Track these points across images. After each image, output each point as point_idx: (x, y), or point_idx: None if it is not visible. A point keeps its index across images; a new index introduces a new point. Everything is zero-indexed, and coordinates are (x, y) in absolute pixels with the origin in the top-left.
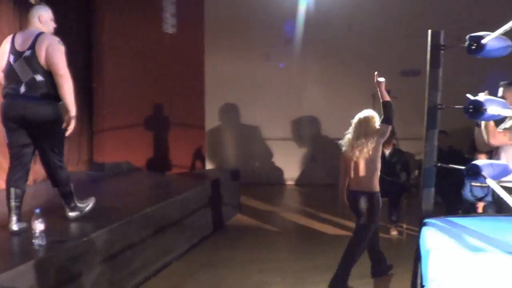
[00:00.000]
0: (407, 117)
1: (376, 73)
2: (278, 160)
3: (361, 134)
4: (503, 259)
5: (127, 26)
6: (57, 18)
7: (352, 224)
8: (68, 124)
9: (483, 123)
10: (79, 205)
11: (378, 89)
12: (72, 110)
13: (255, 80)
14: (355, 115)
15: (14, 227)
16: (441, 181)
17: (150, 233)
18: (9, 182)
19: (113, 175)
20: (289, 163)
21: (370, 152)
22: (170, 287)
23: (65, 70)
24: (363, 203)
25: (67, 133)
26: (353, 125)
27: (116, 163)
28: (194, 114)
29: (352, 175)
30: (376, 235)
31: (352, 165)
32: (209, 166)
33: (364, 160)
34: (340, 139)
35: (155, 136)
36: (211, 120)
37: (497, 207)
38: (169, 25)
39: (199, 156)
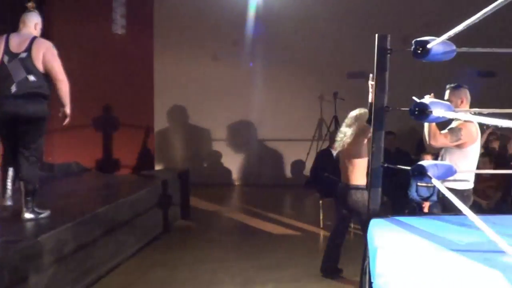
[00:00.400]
0: None
1: (370, 75)
2: (227, 160)
3: (348, 128)
4: (447, 256)
5: (77, 26)
6: (8, 14)
7: (297, 224)
8: (63, 119)
9: (425, 125)
10: (36, 209)
11: (370, 90)
12: (68, 109)
13: (204, 81)
14: (303, 116)
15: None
16: (388, 182)
17: (101, 234)
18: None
19: (62, 175)
20: (238, 164)
21: (350, 146)
22: (122, 286)
23: (63, 75)
24: (346, 196)
25: (64, 124)
26: (347, 119)
27: (66, 164)
28: (142, 115)
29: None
30: (343, 232)
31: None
32: (158, 167)
33: (346, 153)
34: (287, 139)
35: (104, 136)
36: (160, 121)
37: (442, 207)
38: (119, 26)
39: (147, 157)
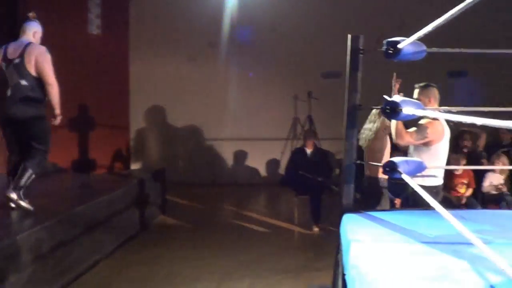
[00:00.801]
0: (329, 117)
1: (394, 74)
2: (203, 159)
3: (372, 123)
4: (417, 248)
5: (52, 26)
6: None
7: (273, 221)
8: (55, 119)
9: (392, 123)
10: (22, 196)
11: (394, 88)
12: (58, 110)
13: (179, 81)
14: (278, 116)
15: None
16: (361, 179)
17: (79, 232)
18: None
19: (39, 175)
20: (214, 163)
21: (375, 141)
22: (101, 284)
23: (53, 79)
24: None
25: (56, 123)
26: (370, 116)
27: None
28: (119, 115)
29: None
30: None
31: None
32: (134, 166)
33: (371, 148)
34: (263, 139)
35: (80, 136)
36: (136, 121)
37: (413, 202)
38: (94, 26)
39: (124, 156)
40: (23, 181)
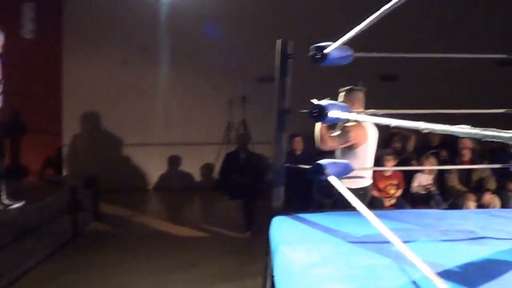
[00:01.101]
0: (263, 121)
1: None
2: (138, 165)
3: None
4: (344, 248)
5: None
6: None
7: (206, 226)
8: None
9: (315, 128)
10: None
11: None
12: None
13: (114, 86)
14: (212, 120)
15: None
16: (293, 182)
17: (10, 240)
18: None
19: None
20: (149, 168)
21: None
22: None
23: None
24: None
25: None
26: None
27: None
28: (51, 120)
29: None
30: None
31: None
32: (67, 172)
33: None
34: (197, 143)
35: (12, 142)
36: (70, 126)
37: (341, 204)
38: (27, 30)
39: (56, 162)
40: None
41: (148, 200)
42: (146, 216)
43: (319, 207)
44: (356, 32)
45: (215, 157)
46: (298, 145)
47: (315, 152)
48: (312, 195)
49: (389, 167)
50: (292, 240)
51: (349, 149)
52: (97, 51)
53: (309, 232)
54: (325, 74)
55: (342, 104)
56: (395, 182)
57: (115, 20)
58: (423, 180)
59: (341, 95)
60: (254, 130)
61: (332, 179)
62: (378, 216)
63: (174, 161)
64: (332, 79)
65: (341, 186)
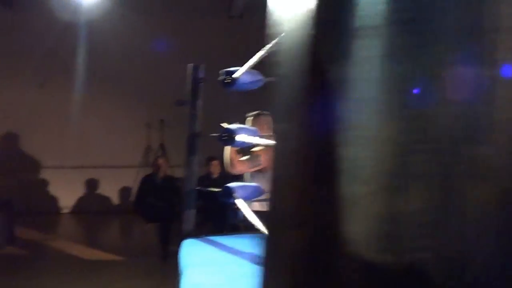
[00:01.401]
0: (181, 145)
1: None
2: (55, 188)
3: None
4: (249, 270)
5: None
6: None
7: (122, 249)
8: None
9: (225, 152)
10: None
11: None
12: None
13: (31, 109)
14: (130, 143)
15: None
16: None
17: None
18: None
19: None
20: (66, 191)
21: None
22: None
23: None
24: None
25: None
26: None
27: None
28: None
29: None
30: None
31: None
32: None
33: None
34: (115, 166)
35: None
36: None
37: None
38: None
39: None
40: None
41: (64, 223)
42: (61, 239)
43: (233, 230)
44: (261, 57)
45: (133, 181)
46: (215, 168)
47: (231, 176)
48: (226, 217)
49: None
50: (199, 263)
51: (259, 172)
52: (14, 73)
53: (217, 254)
54: (243, 97)
55: (251, 128)
56: None
57: (32, 41)
58: None
59: (249, 120)
60: (172, 153)
61: (239, 202)
62: None
63: (91, 184)
64: (250, 102)
65: (247, 209)
